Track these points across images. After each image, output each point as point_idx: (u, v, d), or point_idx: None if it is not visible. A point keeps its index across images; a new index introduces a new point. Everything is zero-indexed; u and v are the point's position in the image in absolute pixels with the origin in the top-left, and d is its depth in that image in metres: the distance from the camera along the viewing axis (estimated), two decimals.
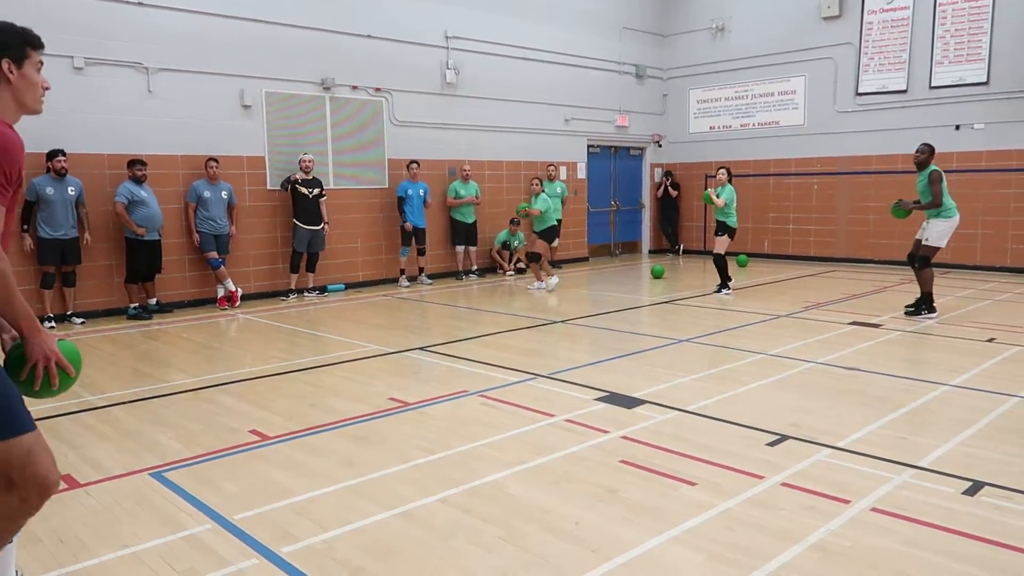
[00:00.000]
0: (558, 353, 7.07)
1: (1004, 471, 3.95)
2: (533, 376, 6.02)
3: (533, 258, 11.13)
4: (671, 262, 14.95)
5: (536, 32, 13.61)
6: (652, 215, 16.62)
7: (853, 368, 6.16)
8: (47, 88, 2.49)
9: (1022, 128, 11.82)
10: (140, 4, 9.20)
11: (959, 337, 7.35)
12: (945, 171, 11.32)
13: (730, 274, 10.56)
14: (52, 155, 8.33)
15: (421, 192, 11.60)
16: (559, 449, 4.36)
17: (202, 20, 9.69)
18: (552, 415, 4.99)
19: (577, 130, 14.67)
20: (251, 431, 4.76)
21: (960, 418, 4.83)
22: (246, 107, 10.21)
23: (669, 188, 16.06)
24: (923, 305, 8.39)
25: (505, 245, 13.12)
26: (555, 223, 11.41)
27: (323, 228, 10.55)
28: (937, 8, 12.54)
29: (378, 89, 11.57)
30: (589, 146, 15.10)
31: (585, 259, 15.14)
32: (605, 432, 4.63)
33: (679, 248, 16.28)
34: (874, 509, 3.51)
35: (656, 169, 16.49)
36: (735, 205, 10.33)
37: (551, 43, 13.87)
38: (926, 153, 8.37)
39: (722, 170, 10.50)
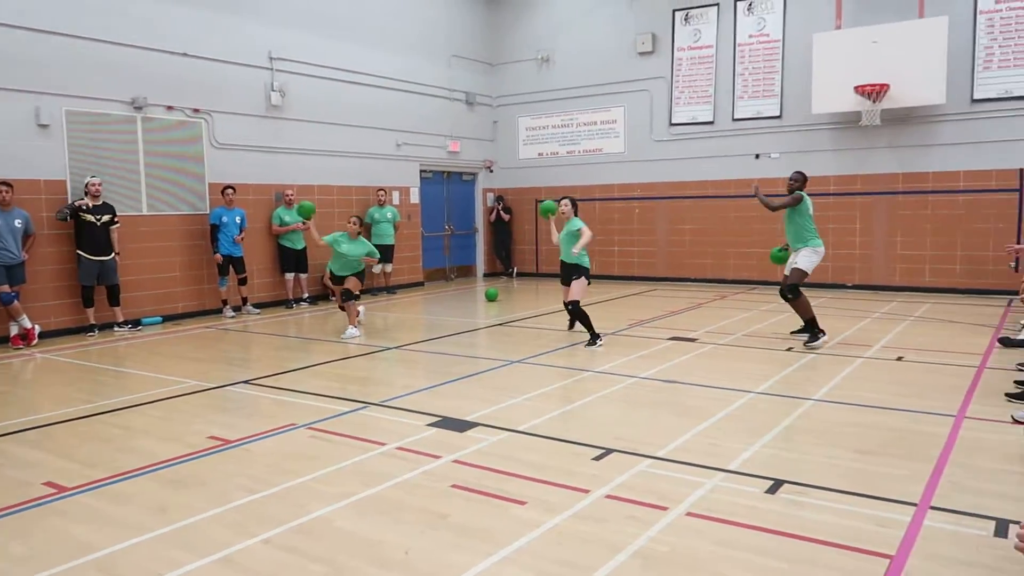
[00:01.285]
0: (391, 380, 6.97)
1: (799, 468, 4.32)
2: (364, 405, 5.89)
3: (348, 296, 9.29)
4: (505, 284, 15.24)
5: (365, 56, 13.52)
6: (486, 239, 16.89)
7: (672, 380, 6.53)
8: None
9: (809, 157, 13.16)
10: None
11: (762, 348, 8.00)
12: (748, 196, 12.39)
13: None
14: None
15: (237, 219, 11.05)
16: (389, 478, 4.28)
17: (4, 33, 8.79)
18: (383, 443, 4.90)
19: (409, 155, 14.68)
20: (46, 483, 4.29)
21: (763, 422, 5.24)
22: (43, 126, 9.33)
23: (501, 212, 16.41)
24: (814, 330, 8.02)
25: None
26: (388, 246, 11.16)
27: (113, 258, 9.72)
28: (736, 48, 13.75)
29: (196, 110, 10.99)
30: (422, 171, 15.14)
31: (420, 283, 15.11)
32: (436, 457, 4.60)
33: (513, 271, 16.64)
34: (689, 513, 3.72)
35: (488, 194, 16.81)
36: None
37: (381, 67, 13.83)
38: (799, 181, 8.26)
39: (565, 200, 8.61)
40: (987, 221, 11.90)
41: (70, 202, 9.43)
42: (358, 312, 9.59)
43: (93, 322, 9.61)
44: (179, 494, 4.11)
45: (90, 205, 9.43)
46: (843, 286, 13.03)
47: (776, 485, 4.07)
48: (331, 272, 9.58)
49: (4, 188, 8.69)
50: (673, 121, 14.53)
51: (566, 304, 8.51)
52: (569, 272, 8.56)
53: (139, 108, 10.28)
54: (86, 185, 9.48)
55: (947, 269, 12.18)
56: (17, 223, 8.80)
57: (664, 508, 3.78)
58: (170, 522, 3.72)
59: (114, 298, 9.76)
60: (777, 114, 13.47)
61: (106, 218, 9.56)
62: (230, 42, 11.34)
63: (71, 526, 3.71)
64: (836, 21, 12.55)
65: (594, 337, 8.22)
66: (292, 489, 4.14)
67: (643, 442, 4.85)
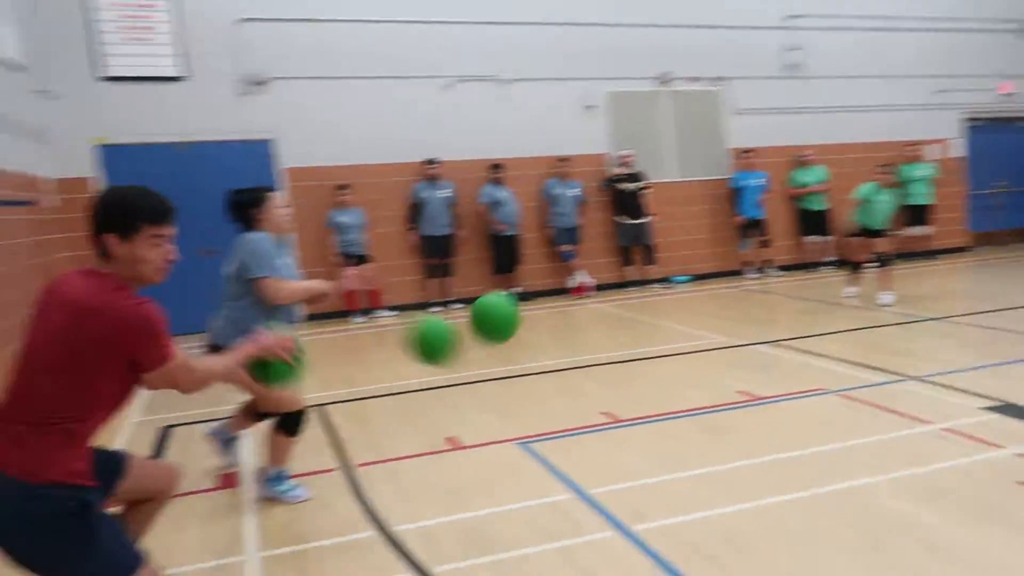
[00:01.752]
0: (931, 353, 6.28)
1: None
2: (901, 377, 5.43)
3: (887, 260, 8.57)
4: None
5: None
6: None
7: None
8: (171, 260, 2.34)
9: None
10: (501, 23, 10.12)
11: None
12: None
13: None
14: (426, 163, 9.64)
15: (755, 182, 11.13)
16: (936, 461, 3.88)
17: (550, 30, 10.37)
18: (927, 421, 4.46)
19: (947, 103, 12.83)
20: (603, 412, 5.00)
21: None
22: (589, 108, 10.72)
23: None
24: None
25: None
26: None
27: (647, 221, 10.64)
28: None
29: (718, 79, 11.35)
30: (969, 119, 13.11)
31: (964, 249, 13.20)
32: (997, 447, 4.00)
33: None
34: None
35: None
36: None
37: (911, 6, 12.31)
38: None
39: None
40: None
41: (608, 176, 10.71)
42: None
43: (631, 278, 10.80)
44: (715, 440, 4.38)
45: (623, 174, 10.56)
46: None
47: None
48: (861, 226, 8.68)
49: (562, 163, 10.27)
50: None
51: None
52: None
53: (666, 83, 11.06)
54: (618, 156, 10.62)
55: None
56: (571, 193, 10.34)
57: None
58: (709, 464, 3.99)
59: (648, 257, 10.80)
60: None
61: (637, 185, 10.60)
62: (746, 7, 11.39)
63: (625, 452, 4.27)
64: None
65: None
66: (824, 454, 4.06)
67: None
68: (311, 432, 4.95)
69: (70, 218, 8.62)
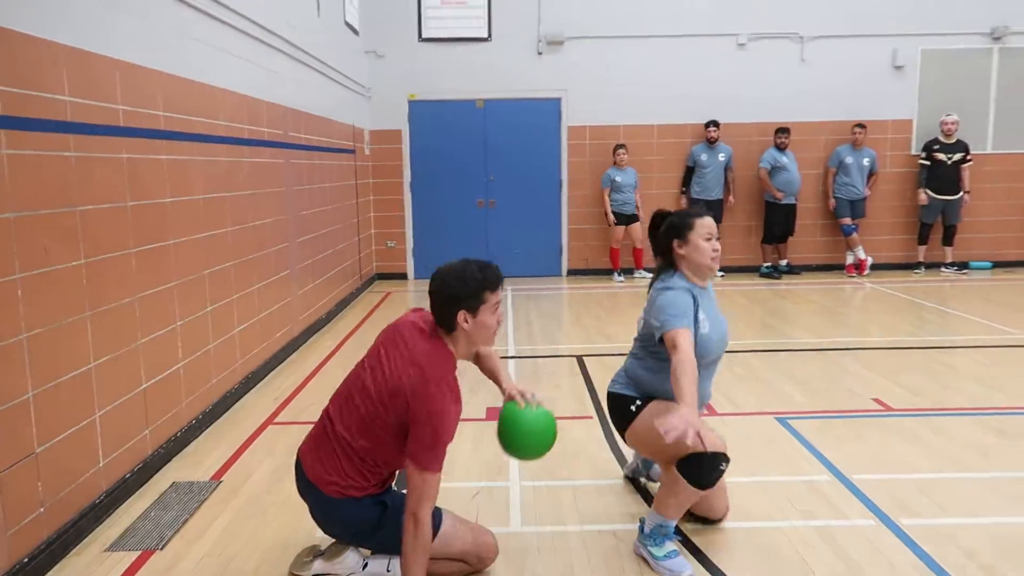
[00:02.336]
0: None
1: None
2: None
3: None
4: None
5: None
6: None
7: None
8: (500, 323, 2.58)
9: None
10: None
11: None
12: None
13: None
14: (707, 125, 9.43)
15: None
16: None
17: None
18: None
19: None
20: (874, 399, 4.74)
21: None
22: (898, 68, 9.76)
23: None
24: None
25: None
26: None
27: (961, 197, 9.49)
28: None
29: None
30: None
31: None
32: None
33: None
34: None
35: None
36: None
37: None
38: None
39: None
40: None
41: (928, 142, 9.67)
42: None
43: (921, 260, 9.83)
44: (1002, 443, 3.98)
45: (942, 143, 9.51)
46: None
47: None
48: None
49: (859, 130, 9.51)
50: None
51: None
52: None
53: (997, 39, 9.69)
54: (941, 123, 9.53)
55: None
56: (865, 162, 9.56)
57: None
58: (991, 468, 3.67)
59: (949, 238, 9.73)
60: None
61: (957, 156, 9.51)
62: None
63: (895, 442, 4.03)
64: None
65: None
66: None
67: None
68: (574, 380, 5.31)
69: (381, 165, 9.85)
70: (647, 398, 3.04)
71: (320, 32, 7.30)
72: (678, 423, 2.42)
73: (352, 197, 8.71)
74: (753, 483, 3.56)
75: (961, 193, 9.52)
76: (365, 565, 2.78)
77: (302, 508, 2.80)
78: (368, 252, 9.60)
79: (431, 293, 2.53)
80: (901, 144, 9.91)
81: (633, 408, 3.04)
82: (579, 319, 7.56)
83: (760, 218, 9.77)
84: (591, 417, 4.54)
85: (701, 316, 2.88)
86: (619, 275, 9.64)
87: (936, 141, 9.53)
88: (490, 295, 2.50)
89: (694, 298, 2.89)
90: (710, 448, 2.53)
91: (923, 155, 9.59)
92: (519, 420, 2.72)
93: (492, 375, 2.96)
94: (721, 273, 9.73)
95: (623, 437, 3.16)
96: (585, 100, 9.75)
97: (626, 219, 9.50)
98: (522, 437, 2.74)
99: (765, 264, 9.74)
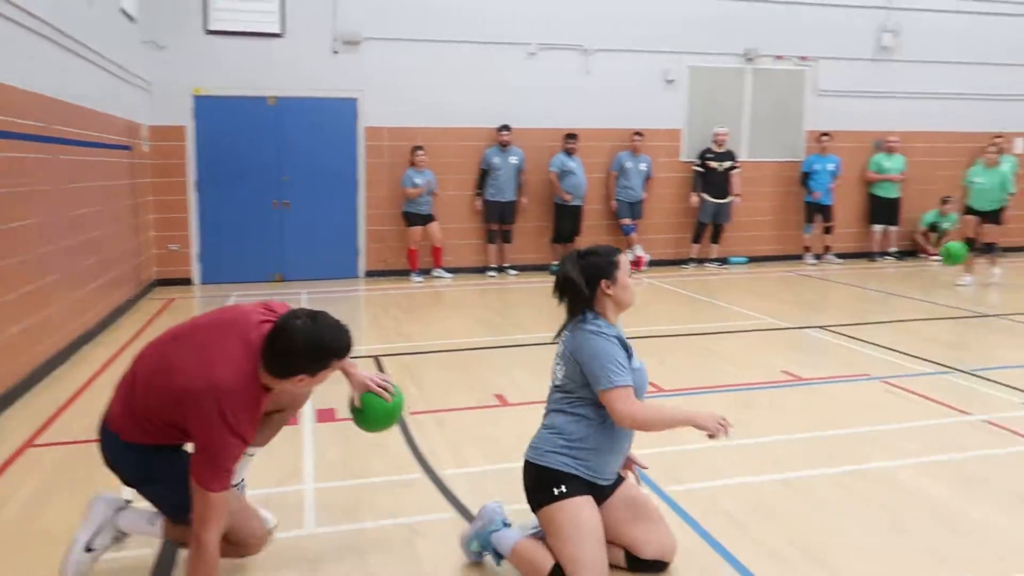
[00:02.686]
0: (986, 350, 6.26)
1: None
2: (949, 370, 5.46)
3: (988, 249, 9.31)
4: None
5: None
6: None
7: None
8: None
9: None
10: None
11: None
12: None
13: None
14: (500, 129, 9.81)
15: (830, 166, 10.97)
16: (971, 449, 3.98)
17: (632, 1, 10.37)
18: (967, 413, 4.53)
19: None
20: (650, 382, 5.18)
21: None
22: (669, 82, 10.71)
23: None
24: None
25: (933, 227, 11.72)
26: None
27: (731, 201, 10.66)
28: None
29: (803, 58, 11.17)
30: None
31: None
32: None
33: None
34: None
35: None
36: None
37: None
38: None
39: None
40: None
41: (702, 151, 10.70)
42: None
43: (693, 256, 10.86)
44: (751, 414, 4.54)
45: (715, 152, 10.56)
46: None
47: None
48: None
49: (637, 137, 10.33)
50: None
51: None
52: None
53: (750, 60, 10.95)
54: (713, 134, 10.59)
55: None
56: (642, 167, 10.40)
57: None
58: (743, 436, 4.16)
59: (716, 236, 10.84)
60: None
61: (727, 164, 10.60)
62: None
63: None
64: None
65: None
66: (859, 436, 4.19)
67: None
68: None
69: (163, 163, 9.20)
70: (574, 481, 2.67)
71: (90, 17, 6.70)
72: (711, 424, 2.63)
73: (128, 197, 8.07)
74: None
75: (731, 197, 10.66)
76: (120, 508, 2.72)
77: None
78: (147, 256, 8.93)
79: (277, 344, 2.39)
80: (672, 151, 10.89)
81: (556, 492, 2.65)
82: (376, 320, 7.56)
83: (550, 219, 10.30)
84: None
85: (632, 353, 2.77)
86: (417, 275, 9.73)
87: (709, 150, 10.59)
88: (336, 363, 2.50)
89: (622, 343, 2.74)
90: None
91: (698, 162, 10.63)
92: (390, 411, 2.90)
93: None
94: (515, 272, 10.14)
95: (534, 510, 2.77)
96: (383, 101, 9.74)
97: (422, 219, 9.63)
98: (388, 420, 2.94)
99: (554, 263, 10.30)
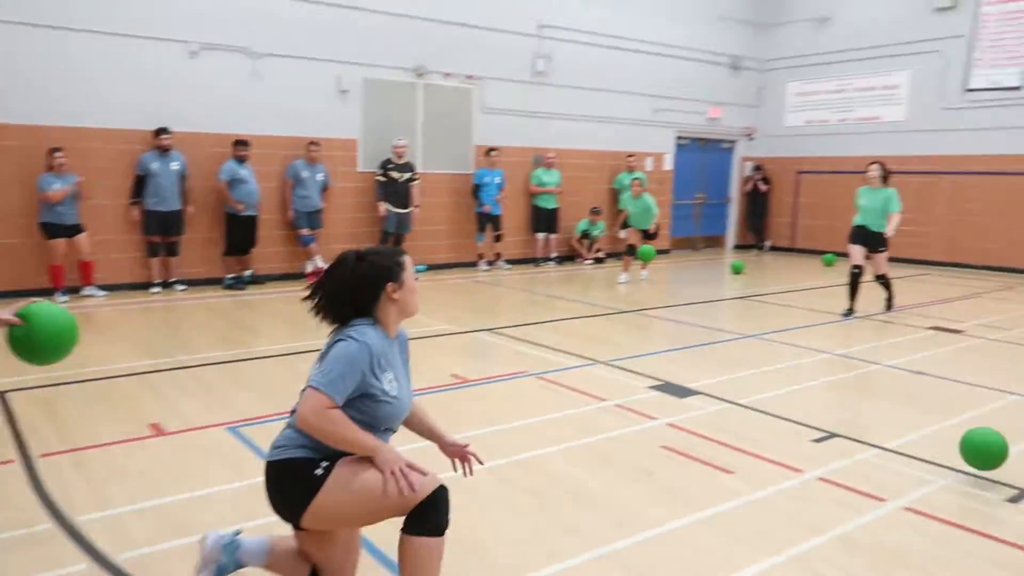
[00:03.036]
0: (623, 342, 7.19)
1: None
2: (592, 362, 6.18)
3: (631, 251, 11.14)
4: (756, 257, 14.71)
5: (630, 21, 13.58)
6: (739, 209, 16.33)
7: (920, 372, 6.03)
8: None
9: None
10: None
11: None
12: None
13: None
14: (157, 132, 9.03)
15: (497, 179, 11.86)
16: (604, 431, 4.53)
17: (305, 7, 10.20)
18: (604, 399, 5.15)
19: (666, 121, 14.57)
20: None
21: (1021, 427, 4.69)
22: (343, 92, 10.70)
23: (759, 183, 15.71)
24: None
25: (585, 234, 13.23)
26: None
27: (411, 211, 10.97)
28: None
29: (470, 77, 11.88)
30: (678, 137, 14.97)
31: (666, 251, 15.05)
32: (653, 419, 4.76)
33: (765, 244, 15.95)
34: (908, 508, 3.53)
35: (746, 163, 16.18)
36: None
37: (644, 33, 13.81)
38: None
39: (874, 166, 8.40)
40: None
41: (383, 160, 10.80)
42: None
43: None
44: None
45: (395, 163, 10.73)
46: None
47: (1021, 495, 3.69)
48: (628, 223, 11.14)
49: (314, 146, 10.16)
50: (969, 86, 12.88)
51: (858, 268, 8.46)
52: (870, 239, 8.40)
53: (421, 75, 11.36)
54: (393, 146, 10.75)
55: None
56: (319, 176, 10.26)
57: (881, 499, 3.62)
58: (408, 441, 4.29)
59: (399, 246, 11.04)
60: None
61: (407, 175, 10.81)
62: (504, 12, 12.04)
63: None
64: None
65: (891, 304, 8.79)
66: (516, 429, 4.55)
67: (872, 430, 4.61)
68: None
69: None
70: (334, 457, 2.44)
71: None
72: (386, 468, 2.40)
73: None
74: (197, 497, 3.53)
75: (412, 207, 10.93)
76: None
77: None
78: None
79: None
80: (349, 161, 10.91)
81: (319, 472, 2.41)
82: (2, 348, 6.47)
83: (221, 230, 9.70)
84: (11, 462, 3.95)
85: (390, 376, 2.53)
86: (62, 295, 8.53)
87: (390, 161, 10.76)
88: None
89: (373, 358, 2.46)
90: (421, 487, 2.41)
91: (380, 173, 10.74)
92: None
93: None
94: (183, 287, 9.39)
95: (298, 519, 2.45)
96: (14, 95, 8.40)
97: (67, 230, 8.50)
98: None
99: (228, 276, 9.72)
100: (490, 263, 12.18)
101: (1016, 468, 4.03)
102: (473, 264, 12.16)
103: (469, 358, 6.38)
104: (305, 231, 10.19)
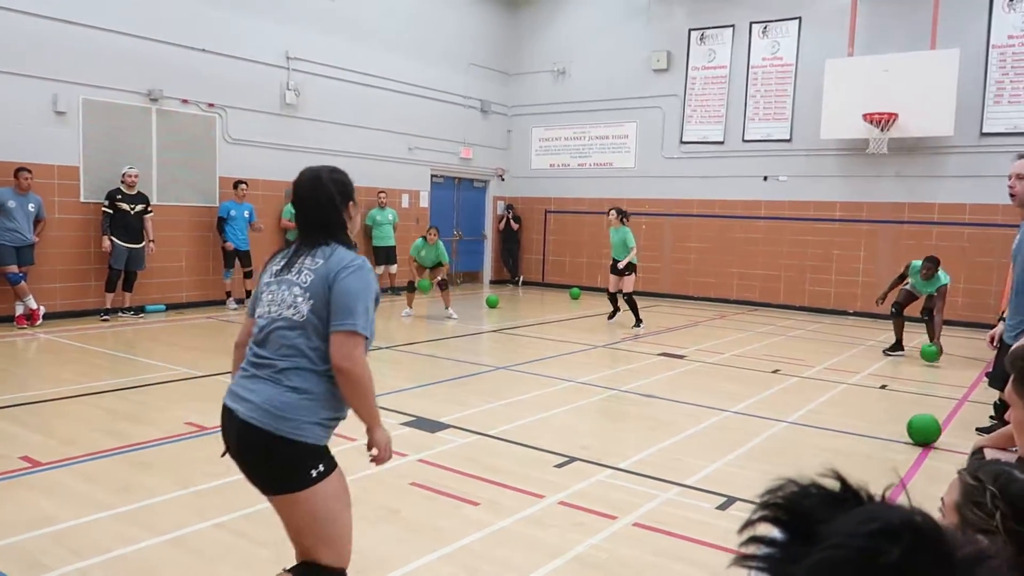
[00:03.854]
0: (376, 379, 7.06)
1: (755, 487, 4.34)
2: None
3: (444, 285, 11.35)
4: (511, 292, 15.36)
5: (383, 60, 13.71)
6: (494, 246, 17.01)
7: (651, 395, 6.59)
8: None
9: (816, 182, 13.20)
10: None
11: (750, 369, 8.04)
12: (755, 218, 12.75)
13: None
14: None
15: (246, 213, 11.29)
16: (353, 472, 4.35)
17: (10, 17, 9.04)
18: (354, 439, 4.99)
19: (421, 159, 14.84)
20: (22, 456, 4.44)
21: (730, 440, 5.29)
22: (60, 113, 9.58)
23: (511, 221, 16.50)
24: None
25: None
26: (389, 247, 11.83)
27: (145, 246, 10.04)
28: (750, 69, 13.80)
29: (211, 105, 11.22)
30: (433, 176, 15.30)
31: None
32: (403, 455, 4.70)
33: (519, 279, 16.74)
34: (636, 524, 3.79)
35: (499, 202, 16.93)
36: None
37: (398, 72, 14.01)
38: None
39: (612, 211, 10.71)
40: (991, 255, 11.85)
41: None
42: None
43: (109, 306, 9.82)
44: (145, 476, 4.24)
45: (125, 193, 9.74)
46: (845, 313, 13.00)
47: (729, 502, 4.13)
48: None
49: (25, 174, 8.94)
50: (684, 139, 14.60)
51: (611, 292, 10.92)
52: (616, 269, 10.65)
53: (155, 100, 10.52)
54: (123, 175, 9.75)
55: (950, 301, 12.11)
56: (31, 207, 9.05)
57: (613, 517, 3.85)
58: (131, 502, 3.85)
59: (130, 284, 10.00)
60: (787, 137, 13.50)
61: (140, 207, 9.85)
62: (248, 40, 11.57)
63: (38, 498, 3.85)
64: (848, 49, 12.57)
65: (639, 322, 10.48)
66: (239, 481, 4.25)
67: (608, 453, 4.92)
68: None
69: None
70: (326, 454, 2.29)
71: None
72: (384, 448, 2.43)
73: None
74: None
75: (145, 241, 9.98)
76: None
77: None
78: None
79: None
80: (69, 190, 9.76)
81: (314, 474, 2.23)
82: None
83: None
84: None
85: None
86: None
87: (119, 191, 9.76)
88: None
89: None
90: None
91: (107, 204, 9.68)
92: None
93: None
94: None
95: (270, 493, 2.30)
96: None
97: None
98: None
99: None
100: (239, 301, 11.48)
101: (723, 478, 4.51)
102: (222, 302, 11.39)
103: (208, 403, 5.89)
104: (12, 268, 8.90)
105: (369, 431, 2.41)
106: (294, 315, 2.28)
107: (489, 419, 5.62)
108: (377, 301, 2.39)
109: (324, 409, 2.28)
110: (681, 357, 8.54)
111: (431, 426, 5.36)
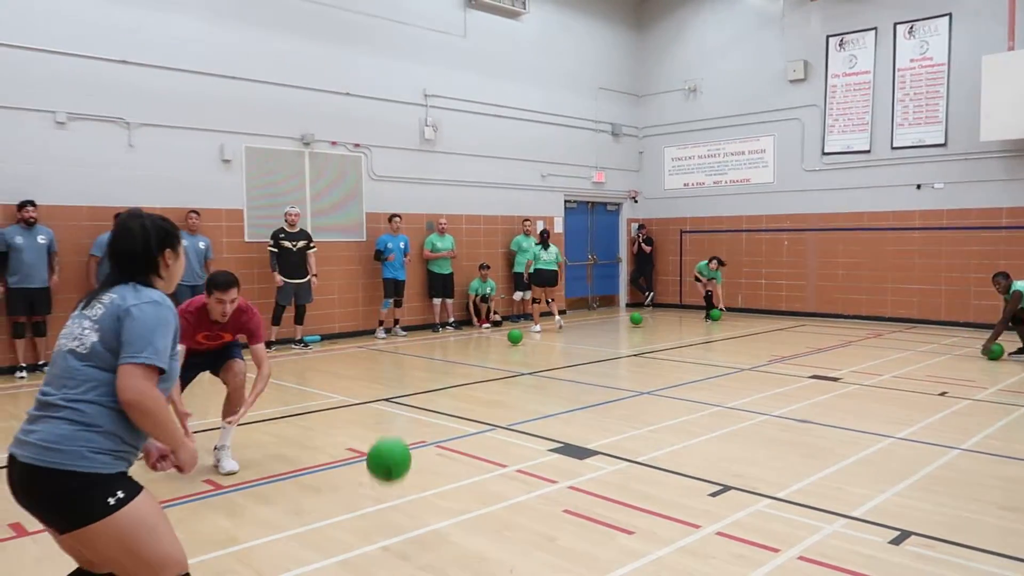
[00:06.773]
0: (521, 405, 7.18)
1: (931, 520, 4.07)
2: (492, 427, 6.12)
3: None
4: (648, 314, 15.17)
5: (514, 91, 14.04)
6: (629, 269, 16.88)
7: (805, 420, 6.30)
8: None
9: (977, 187, 12.25)
10: (123, 62, 9.49)
11: (913, 391, 7.52)
12: (908, 229, 11.99)
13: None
14: (22, 206, 8.51)
15: (402, 244, 11.84)
16: (505, 499, 4.46)
17: (182, 77, 9.98)
18: (504, 465, 5.09)
19: (554, 185, 15.01)
20: (204, 480, 4.83)
21: (898, 469, 4.96)
22: (226, 161, 10.46)
23: (643, 244, 16.33)
24: None
25: (482, 297, 13.26)
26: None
27: (309, 280, 10.71)
28: (896, 73, 13.06)
29: (357, 145, 11.88)
30: (566, 201, 15.43)
31: (562, 312, 15.29)
32: (553, 482, 4.73)
33: (650, 295, 16.46)
34: (801, 558, 3.62)
35: (632, 224, 16.81)
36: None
37: (529, 102, 14.30)
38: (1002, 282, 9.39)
39: (714, 260, 13.57)
40: None
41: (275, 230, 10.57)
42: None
43: (274, 339, 10.56)
44: (314, 499, 4.49)
45: (287, 232, 10.52)
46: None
47: (902, 536, 3.87)
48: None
49: (194, 216, 9.82)
50: (826, 150, 13.97)
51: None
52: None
53: (307, 144, 11.28)
54: (285, 214, 10.53)
55: None
56: (201, 245, 9.90)
57: (775, 550, 3.70)
58: (304, 524, 4.09)
59: (300, 317, 10.72)
60: (941, 141, 12.62)
61: (302, 243, 10.58)
62: (389, 82, 12.19)
63: (221, 519, 4.17)
64: (1008, 42, 11.63)
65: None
66: (414, 502, 4.42)
67: (764, 481, 4.74)
68: None
69: None
70: (123, 478, 2.29)
71: None
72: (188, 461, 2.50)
73: None
74: None
75: (309, 276, 10.67)
76: None
77: None
78: None
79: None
80: (236, 232, 10.60)
81: (112, 501, 2.22)
82: None
83: None
84: None
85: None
86: None
87: (282, 230, 10.53)
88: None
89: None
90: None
91: (271, 243, 10.45)
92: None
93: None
94: None
95: (62, 531, 2.26)
96: None
97: None
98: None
99: None
100: (387, 331, 12.00)
101: (894, 510, 4.24)
102: (370, 332, 11.94)
103: (366, 430, 6.19)
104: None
105: (174, 453, 2.47)
106: (78, 347, 2.30)
107: (636, 445, 5.56)
108: (175, 339, 2.39)
109: (109, 438, 2.26)
110: (835, 379, 8.11)
111: (579, 453, 5.36)
